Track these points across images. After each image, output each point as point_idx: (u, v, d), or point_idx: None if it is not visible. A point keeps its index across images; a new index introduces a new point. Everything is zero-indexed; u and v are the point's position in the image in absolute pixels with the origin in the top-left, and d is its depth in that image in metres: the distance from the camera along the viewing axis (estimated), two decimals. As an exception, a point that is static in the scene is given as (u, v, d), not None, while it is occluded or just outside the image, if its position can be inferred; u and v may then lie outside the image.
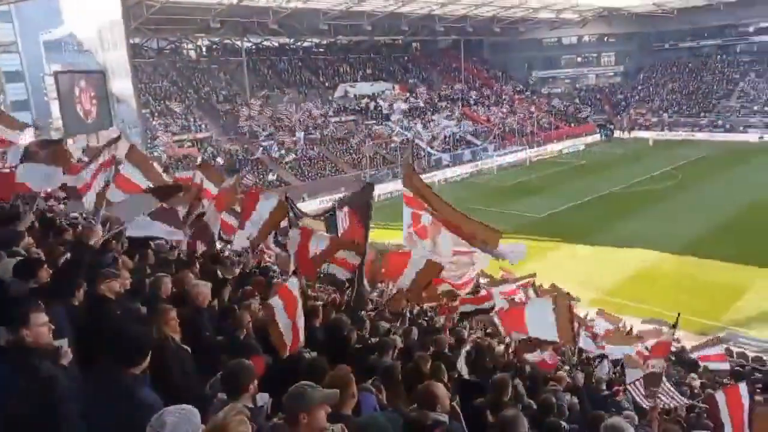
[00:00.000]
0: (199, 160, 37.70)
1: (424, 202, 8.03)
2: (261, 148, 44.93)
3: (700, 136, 59.55)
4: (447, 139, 54.47)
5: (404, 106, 58.71)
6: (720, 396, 6.92)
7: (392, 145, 51.01)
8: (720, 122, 61.28)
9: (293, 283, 5.46)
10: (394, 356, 5.62)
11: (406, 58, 70.92)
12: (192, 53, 56.71)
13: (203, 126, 47.08)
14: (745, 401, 6.75)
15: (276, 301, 5.16)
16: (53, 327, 3.35)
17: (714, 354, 11.93)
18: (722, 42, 69.81)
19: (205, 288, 5.45)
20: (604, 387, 8.91)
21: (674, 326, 6.92)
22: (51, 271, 4.85)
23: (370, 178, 44.67)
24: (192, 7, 44.49)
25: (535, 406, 5.71)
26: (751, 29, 68.13)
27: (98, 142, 34.26)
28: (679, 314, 6.83)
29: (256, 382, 3.58)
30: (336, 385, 3.33)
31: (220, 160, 41.34)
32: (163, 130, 44.18)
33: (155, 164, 9.58)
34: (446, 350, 7.09)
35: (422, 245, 8.25)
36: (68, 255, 5.57)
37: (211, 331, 5.30)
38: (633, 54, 74.97)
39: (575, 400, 7.19)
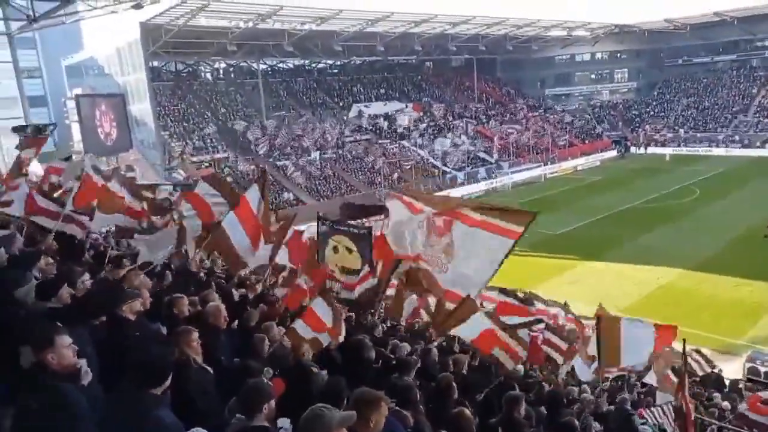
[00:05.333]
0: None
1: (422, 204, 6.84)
2: (278, 169, 45.26)
3: (717, 151, 59.01)
4: (461, 157, 54.49)
5: (418, 126, 58.95)
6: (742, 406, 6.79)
7: (407, 165, 51.14)
8: (737, 137, 60.69)
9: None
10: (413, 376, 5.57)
11: (419, 77, 71.37)
12: (209, 76, 57.80)
13: (220, 147, 47.71)
14: None
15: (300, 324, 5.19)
16: (77, 348, 3.38)
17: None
18: (737, 57, 69.40)
19: (220, 309, 5.45)
20: (629, 406, 8.72)
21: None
22: (72, 292, 4.89)
23: (384, 196, 44.75)
24: (209, 31, 45.47)
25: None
26: (767, 43, 67.68)
27: (117, 163, 34.89)
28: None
29: (273, 402, 3.57)
30: (359, 408, 3.24)
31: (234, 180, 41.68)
32: (182, 151, 44.82)
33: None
34: (464, 370, 7.03)
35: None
36: (88, 276, 5.60)
37: (229, 352, 5.29)
38: (646, 70, 74.85)
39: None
